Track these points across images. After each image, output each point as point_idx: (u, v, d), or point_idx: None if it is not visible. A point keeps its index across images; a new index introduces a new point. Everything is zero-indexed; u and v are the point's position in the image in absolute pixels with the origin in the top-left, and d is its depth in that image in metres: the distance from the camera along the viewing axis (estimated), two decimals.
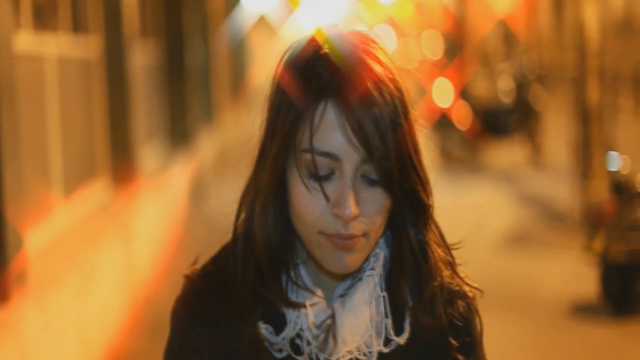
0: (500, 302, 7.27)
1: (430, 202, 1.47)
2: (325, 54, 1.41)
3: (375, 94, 1.38)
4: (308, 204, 1.40)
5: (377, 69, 1.40)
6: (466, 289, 1.54)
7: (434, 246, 1.50)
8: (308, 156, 1.39)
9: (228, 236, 1.53)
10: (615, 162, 7.75)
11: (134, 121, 8.83)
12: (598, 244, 6.96)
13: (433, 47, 24.61)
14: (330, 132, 1.38)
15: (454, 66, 17.90)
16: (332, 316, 1.45)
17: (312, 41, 1.43)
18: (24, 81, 5.87)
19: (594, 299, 7.21)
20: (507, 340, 6.47)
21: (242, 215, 1.50)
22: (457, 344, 1.51)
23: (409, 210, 1.47)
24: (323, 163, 1.38)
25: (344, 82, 1.38)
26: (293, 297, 1.46)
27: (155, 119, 11.40)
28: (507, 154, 15.65)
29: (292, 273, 1.47)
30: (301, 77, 1.41)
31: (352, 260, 1.42)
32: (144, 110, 10.22)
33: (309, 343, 1.45)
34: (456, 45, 19.96)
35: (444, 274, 1.51)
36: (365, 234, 1.41)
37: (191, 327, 1.49)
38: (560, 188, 11.66)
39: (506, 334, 6.56)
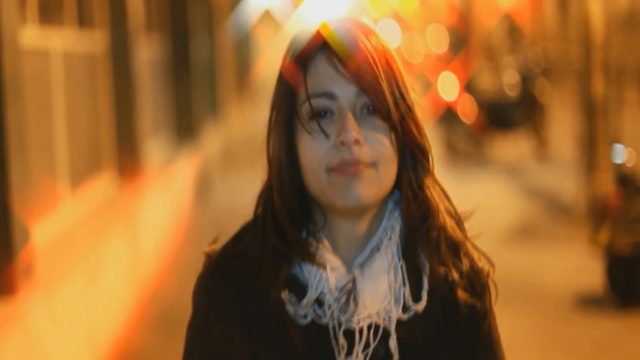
0: (506, 295, 7.25)
1: (426, 143, 1.55)
2: (320, 33, 1.52)
3: (364, 39, 1.50)
4: (313, 146, 1.49)
5: (364, 25, 1.53)
6: (475, 255, 1.66)
7: (433, 191, 1.58)
8: (308, 105, 1.49)
9: (235, 228, 1.59)
10: (621, 154, 7.75)
11: (140, 115, 8.85)
12: (603, 236, 6.97)
13: (438, 41, 24.60)
14: (323, 74, 1.49)
15: (459, 60, 17.89)
16: (353, 281, 1.50)
17: (310, 30, 1.54)
18: (29, 76, 5.89)
19: (599, 291, 7.22)
20: (512, 332, 6.48)
21: (262, 198, 1.57)
22: (471, 313, 1.62)
23: (409, 157, 1.55)
24: (322, 104, 1.49)
25: (334, 35, 1.50)
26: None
27: (161, 113, 11.41)
28: (513, 147, 15.65)
29: (311, 228, 1.53)
30: (298, 52, 1.52)
31: (362, 190, 1.48)
32: (150, 105, 10.23)
33: (330, 306, 1.49)
34: (461, 39, 19.96)
35: (447, 220, 1.59)
36: (373, 163, 1.48)
37: (215, 302, 1.54)
38: (565, 181, 11.66)
39: (511, 326, 6.57)
